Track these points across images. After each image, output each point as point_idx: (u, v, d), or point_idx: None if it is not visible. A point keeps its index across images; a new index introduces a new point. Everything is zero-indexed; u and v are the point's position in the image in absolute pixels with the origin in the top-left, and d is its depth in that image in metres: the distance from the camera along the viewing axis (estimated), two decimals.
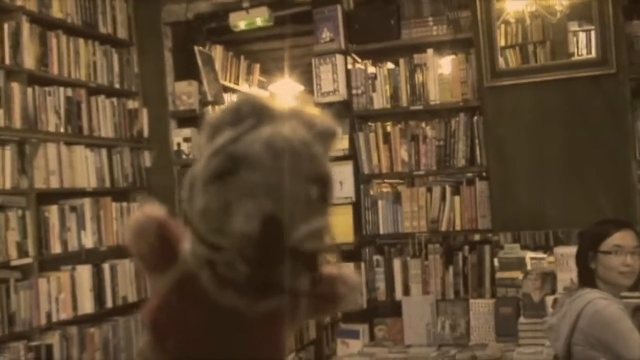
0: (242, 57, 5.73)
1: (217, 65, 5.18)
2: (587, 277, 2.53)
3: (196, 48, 4.72)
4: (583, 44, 4.47)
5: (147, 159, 4.69)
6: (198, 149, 1.08)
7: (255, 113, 1.13)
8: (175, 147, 4.68)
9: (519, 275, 3.74)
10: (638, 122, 3.58)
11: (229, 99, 5.53)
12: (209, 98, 4.77)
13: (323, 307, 1.38)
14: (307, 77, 5.09)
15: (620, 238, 2.48)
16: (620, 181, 3.55)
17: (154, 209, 1.28)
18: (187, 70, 4.73)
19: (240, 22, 4.59)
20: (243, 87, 5.80)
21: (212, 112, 1.10)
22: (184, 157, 4.66)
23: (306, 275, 1.13)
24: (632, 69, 3.57)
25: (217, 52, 5.26)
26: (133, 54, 4.68)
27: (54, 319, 3.76)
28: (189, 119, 4.71)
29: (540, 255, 3.91)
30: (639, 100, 3.61)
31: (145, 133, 4.68)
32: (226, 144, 1.10)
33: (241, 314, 1.17)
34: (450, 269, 3.92)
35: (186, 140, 4.65)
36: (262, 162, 1.06)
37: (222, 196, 1.08)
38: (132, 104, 4.62)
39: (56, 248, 3.84)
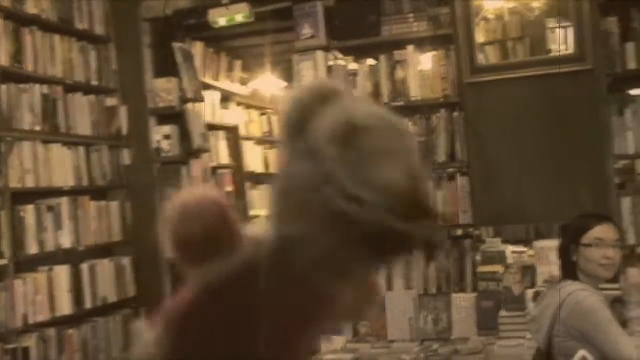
0: (222, 54, 5.70)
1: (197, 62, 5.14)
2: (569, 270, 2.58)
3: (175, 44, 4.69)
4: (561, 40, 4.49)
5: (126, 156, 4.65)
6: (285, 128, 1.05)
7: (336, 95, 1.13)
8: (155, 145, 4.64)
9: (500, 269, 3.75)
10: (614, 117, 3.61)
11: (210, 96, 5.50)
12: (189, 95, 4.74)
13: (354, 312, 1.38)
14: (289, 74, 5.07)
15: (601, 231, 2.54)
16: (598, 175, 3.57)
17: (210, 190, 1.21)
18: (166, 66, 4.70)
19: (219, 18, 4.56)
20: (224, 83, 5.77)
21: (288, 98, 1.05)
22: (163, 154, 4.63)
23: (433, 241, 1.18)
24: (607, 65, 3.60)
25: (197, 49, 5.23)
26: (111, 50, 4.64)
27: (31, 320, 3.70)
28: (169, 116, 4.68)
29: (521, 248, 3.93)
30: (615, 95, 3.64)
31: (124, 130, 4.64)
32: (342, 113, 1.09)
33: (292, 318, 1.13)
34: (432, 263, 3.93)
35: (166, 137, 4.62)
36: (383, 129, 1.09)
37: (355, 156, 1.06)
38: (110, 101, 4.57)
39: (32, 248, 3.79)
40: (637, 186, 3.65)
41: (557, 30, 4.52)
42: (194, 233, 1.14)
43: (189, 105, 4.85)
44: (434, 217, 1.11)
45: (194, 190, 1.19)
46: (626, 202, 3.50)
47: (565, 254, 2.59)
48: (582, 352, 2.34)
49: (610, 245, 2.52)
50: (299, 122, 1.10)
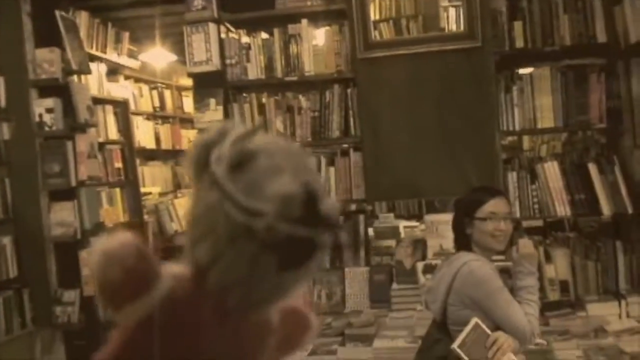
0: (109, 25, 5.46)
1: (82, 33, 4.90)
2: (463, 242, 2.66)
3: (58, 13, 4.44)
4: (453, 18, 4.60)
5: (5, 131, 4.39)
6: (192, 169, 1.13)
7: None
8: (37, 119, 4.40)
9: (393, 243, 3.82)
10: (501, 94, 3.72)
11: (97, 67, 5.27)
12: (73, 67, 4.51)
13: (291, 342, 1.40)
14: (180, 47, 4.92)
15: (494, 205, 2.62)
16: (486, 151, 3.68)
17: (124, 236, 1.19)
18: (49, 36, 4.44)
19: None
20: (111, 55, 5.53)
21: (194, 142, 1.13)
22: (46, 128, 4.39)
23: (330, 243, 1.20)
24: (496, 43, 3.69)
25: (82, 18, 4.98)
26: None
27: None
28: (52, 88, 4.43)
29: (413, 223, 4.01)
30: (503, 73, 3.75)
31: (3, 103, 4.36)
32: (236, 143, 1.17)
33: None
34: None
35: (49, 111, 4.39)
36: (275, 152, 1.17)
37: (250, 176, 1.14)
38: None
39: None
40: (522, 162, 3.79)
41: (450, 8, 4.61)
42: (116, 278, 1.15)
43: (74, 78, 4.62)
44: (333, 221, 1.16)
45: (109, 239, 1.19)
46: (512, 177, 3.63)
47: (459, 227, 2.67)
48: (475, 319, 2.43)
49: (503, 218, 2.61)
50: (203, 161, 1.18)
